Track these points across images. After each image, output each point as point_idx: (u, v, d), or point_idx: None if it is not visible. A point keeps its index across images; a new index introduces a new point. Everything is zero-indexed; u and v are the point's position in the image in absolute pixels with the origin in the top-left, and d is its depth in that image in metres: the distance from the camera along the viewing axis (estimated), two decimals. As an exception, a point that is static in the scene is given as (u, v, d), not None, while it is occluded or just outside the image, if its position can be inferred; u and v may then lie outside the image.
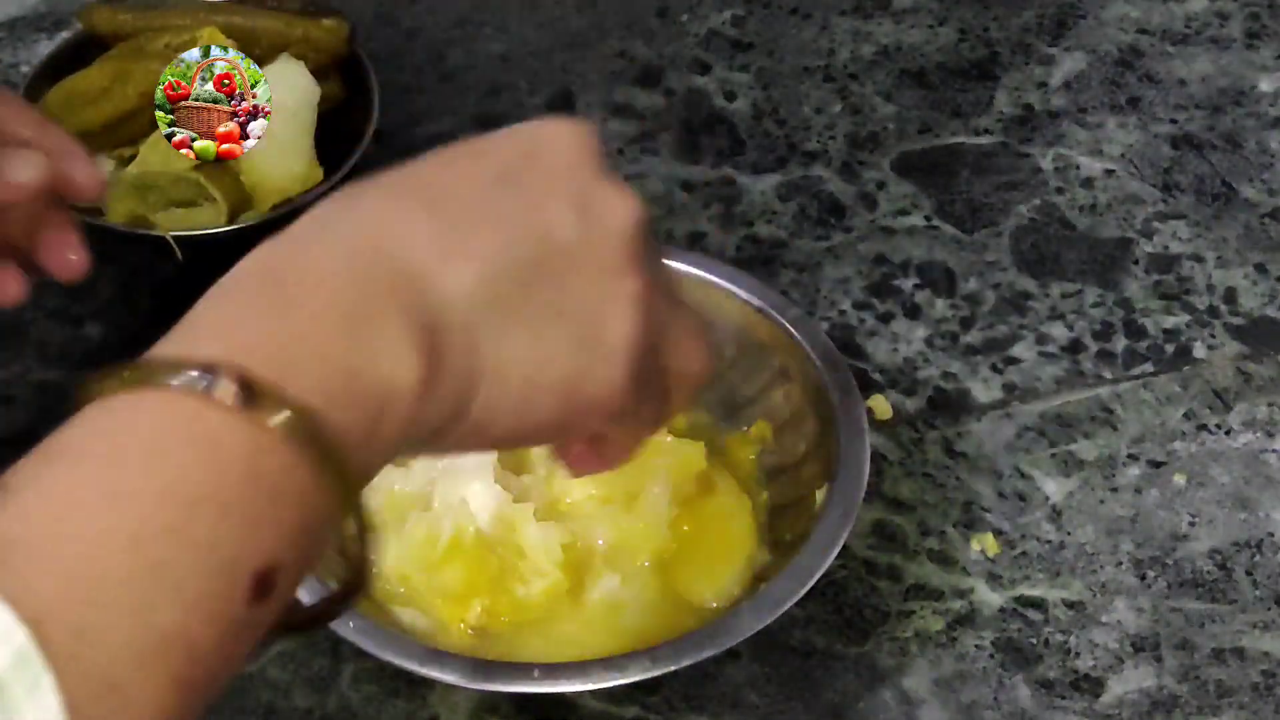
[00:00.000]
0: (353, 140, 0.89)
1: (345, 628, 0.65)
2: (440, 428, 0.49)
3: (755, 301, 0.77)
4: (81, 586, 0.39)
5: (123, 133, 0.89)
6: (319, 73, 0.89)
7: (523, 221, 0.51)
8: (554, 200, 0.52)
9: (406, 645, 0.65)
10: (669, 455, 0.73)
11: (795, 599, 0.66)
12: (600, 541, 0.71)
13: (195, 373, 0.45)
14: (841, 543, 0.68)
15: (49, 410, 0.81)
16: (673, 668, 0.64)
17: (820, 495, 0.70)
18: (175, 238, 0.85)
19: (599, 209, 0.52)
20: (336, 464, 0.45)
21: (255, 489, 0.43)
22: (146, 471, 0.42)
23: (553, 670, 0.64)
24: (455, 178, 0.53)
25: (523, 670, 0.65)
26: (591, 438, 0.59)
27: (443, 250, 0.50)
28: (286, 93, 0.86)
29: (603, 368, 0.52)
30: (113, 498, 0.41)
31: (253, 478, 0.44)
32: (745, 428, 0.77)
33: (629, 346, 0.53)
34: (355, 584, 0.48)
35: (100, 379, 0.45)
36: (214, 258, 0.92)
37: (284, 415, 0.44)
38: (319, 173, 0.87)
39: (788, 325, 0.76)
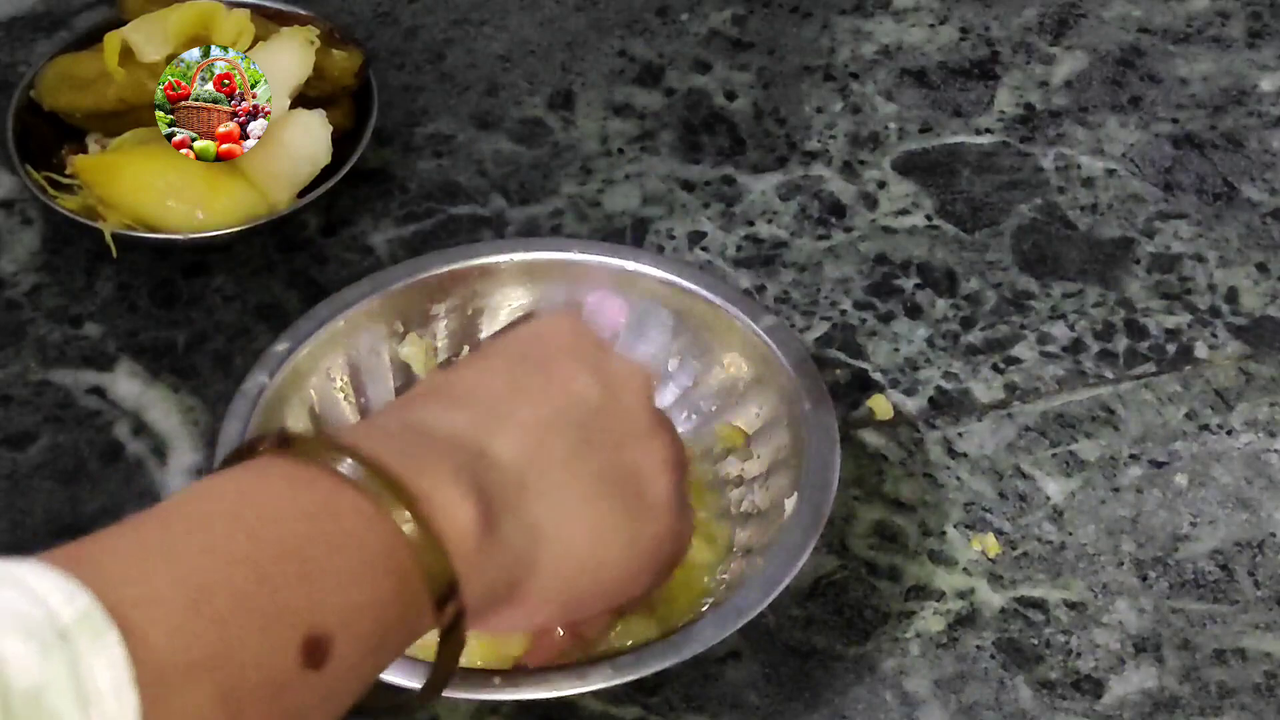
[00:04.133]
0: (353, 139, 0.89)
1: None
2: (500, 589, 0.52)
3: (729, 308, 0.77)
4: (135, 596, 0.42)
5: (102, 126, 0.89)
6: (327, 100, 0.88)
7: (554, 394, 0.55)
8: (575, 372, 0.56)
9: (409, 661, 0.65)
10: None
11: (756, 611, 0.66)
12: None
13: (340, 453, 0.49)
14: (808, 553, 0.67)
15: (48, 410, 0.81)
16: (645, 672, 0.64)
17: (790, 504, 0.70)
18: (181, 239, 0.85)
19: (614, 377, 0.57)
20: (437, 555, 0.48)
21: (333, 558, 0.47)
22: (231, 520, 0.46)
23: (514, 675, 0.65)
24: (479, 375, 0.57)
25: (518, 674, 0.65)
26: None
27: (486, 428, 0.53)
28: (304, 138, 0.86)
29: (651, 523, 0.57)
30: (184, 536, 0.45)
31: (341, 546, 0.47)
32: (715, 436, 0.76)
33: (670, 501, 0.58)
34: (432, 685, 0.52)
35: (255, 444, 0.50)
36: (213, 258, 0.92)
37: (403, 500, 0.48)
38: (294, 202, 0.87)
39: (761, 333, 0.75)
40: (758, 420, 0.75)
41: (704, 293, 0.77)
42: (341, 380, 0.76)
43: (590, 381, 0.56)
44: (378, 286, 0.78)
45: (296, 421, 0.74)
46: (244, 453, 0.50)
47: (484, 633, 0.62)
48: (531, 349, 0.58)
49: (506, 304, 0.79)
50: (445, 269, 0.79)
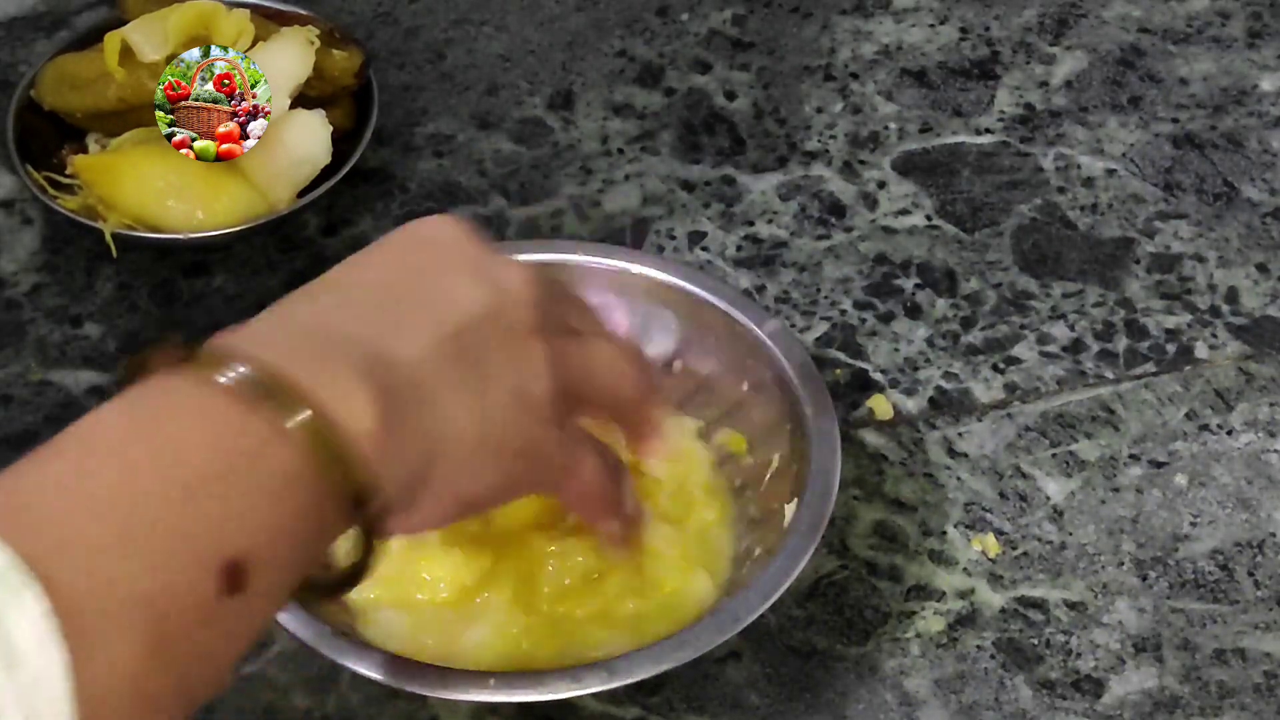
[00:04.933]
0: (353, 139, 0.89)
1: (340, 652, 0.65)
2: (404, 490, 0.52)
3: (733, 313, 0.76)
4: (54, 542, 0.43)
5: (102, 126, 0.89)
6: (327, 100, 0.88)
7: (442, 301, 0.56)
8: (460, 277, 0.57)
9: (405, 663, 0.65)
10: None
11: (755, 615, 0.66)
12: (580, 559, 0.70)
13: (237, 367, 0.48)
14: (807, 558, 0.67)
15: (49, 410, 0.81)
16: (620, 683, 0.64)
17: (790, 510, 0.70)
18: (181, 239, 0.85)
19: (498, 277, 0.58)
20: (344, 466, 0.49)
21: (243, 481, 0.47)
22: (139, 451, 0.46)
23: (507, 678, 0.65)
24: (372, 273, 0.57)
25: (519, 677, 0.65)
26: (600, 507, 0.64)
27: (381, 329, 0.54)
28: (304, 138, 0.86)
29: (529, 421, 0.57)
30: (96, 473, 0.45)
31: (249, 470, 0.47)
32: (717, 442, 0.76)
33: (548, 400, 0.58)
34: (354, 572, 0.53)
35: (151, 357, 0.49)
36: (213, 258, 0.92)
37: (304, 415, 0.48)
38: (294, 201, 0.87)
39: (765, 339, 0.75)
40: (759, 425, 0.75)
41: (707, 296, 0.77)
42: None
43: (473, 285, 0.57)
44: None
45: None
46: (138, 367, 0.50)
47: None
48: (418, 253, 0.58)
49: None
50: None
